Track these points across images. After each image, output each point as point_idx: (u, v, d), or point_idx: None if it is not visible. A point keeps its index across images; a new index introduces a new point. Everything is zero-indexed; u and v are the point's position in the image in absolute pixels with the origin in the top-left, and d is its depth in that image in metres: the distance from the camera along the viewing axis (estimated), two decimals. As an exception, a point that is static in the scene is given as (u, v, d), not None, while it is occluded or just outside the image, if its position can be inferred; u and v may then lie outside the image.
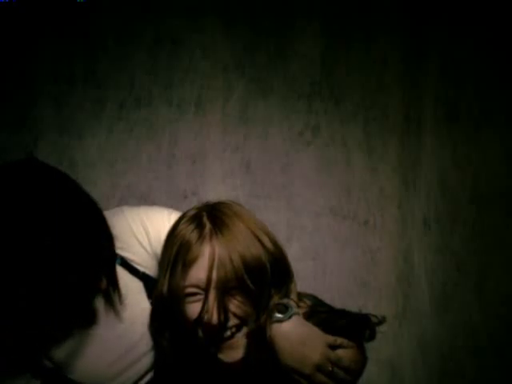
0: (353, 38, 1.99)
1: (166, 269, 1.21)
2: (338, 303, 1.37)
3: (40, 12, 1.75)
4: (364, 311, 1.47)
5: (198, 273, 1.17)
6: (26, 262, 0.95)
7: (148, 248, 1.26)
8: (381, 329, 1.29)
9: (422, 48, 2.03)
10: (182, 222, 1.24)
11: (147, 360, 1.25)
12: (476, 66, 2.04)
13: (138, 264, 1.24)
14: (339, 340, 1.23)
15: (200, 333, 1.20)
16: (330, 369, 1.20)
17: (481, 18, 2.04)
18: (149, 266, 1.25)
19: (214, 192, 1.89)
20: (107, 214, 1.13)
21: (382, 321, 1.29)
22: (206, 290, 1.17)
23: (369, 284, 1.98)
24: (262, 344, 1.20)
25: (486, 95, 2.04)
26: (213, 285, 1.17)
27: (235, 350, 1.21)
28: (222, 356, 1.21)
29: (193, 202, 1.85)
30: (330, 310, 1.32)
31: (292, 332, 1.21)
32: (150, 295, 1.25)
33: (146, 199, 1.84)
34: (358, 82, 2.00)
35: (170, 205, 1.80)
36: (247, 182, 1.92)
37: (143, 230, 1.27)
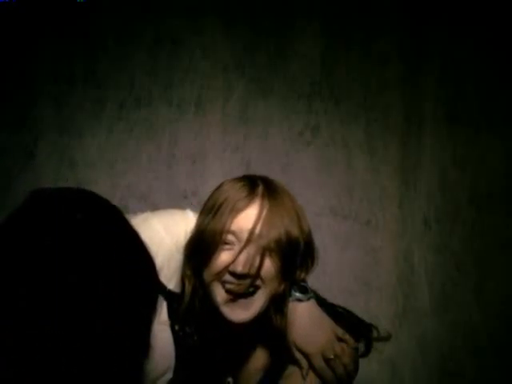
0: (353, 37, 1.99)
1: (208, 213, 1.24)
2: (338, 303, 1.38)
3: (40, 12, 1.75)
4: (365, 311, 1.48)
5: (243, 222, 1.21)
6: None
7: (180, 260, 1.25)
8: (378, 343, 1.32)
9: (422, 48, 2.03)
10: (233, 179, 1.30)
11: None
12: (476, 66, 2.04)
13: (166, 279, 1.22)
14: (347, 335, 1.27)
15: (218, 286, 1.22)
16: (332, 356, 1.23)
17: (481, 18, 2.04)
18: (176, 281, 1.24)
19: (214, 192, 1.88)
20: (133, 222, 1.10)
21: (383, 338, 1.33)
22: (246, 240, 1.21)
23: (369, 284, 1.98)
24: (278, 313, 1.24)
25: (486, 95, 2.05)
26: (252, 238, 1.21)
27: (244, 311, 1.23)
28: (228, 312, 1.22)
29: (193, 202, 1.85)
30: (332, 308, 1.34)
31: (307, 312, 1.28)
32: (170, 315, 1.23)
33: (146, 199, 1.84)
34: (358, 82, 2.00)
35: (169, 205, 1.80)
36: (247, 181, 1.92)
37: (178, 242, 1.27)
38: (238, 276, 1.20)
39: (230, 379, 1.31)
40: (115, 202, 1.85)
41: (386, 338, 1.32)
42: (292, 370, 1.28)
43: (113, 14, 1.81)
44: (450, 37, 2.04)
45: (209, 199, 1.28)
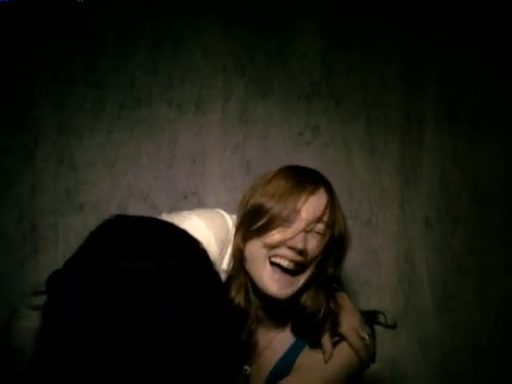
0: (353, 37, 1.99)
1: (273, 189, 1.38)
2: (339, 303, 1.40)
3: (40, 12, 1.74)
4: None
5: (311, 205, 1.35)
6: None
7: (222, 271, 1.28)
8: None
9: (422, 48, 2.03)
10: (293, 166, 1.49)
11: None
12: (476, 66, 2.04)
13: None
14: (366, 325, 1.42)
15: (266, 262, 1.33)
16: (367, 336, 1.37)
17: (481, 18, 2.04)
18: None
19: (214, 192, 1.88)
20: (182, 225, 1.11)
21: (388, 325, 1.49)
22: (310, 222, 1.34)
23: (371, 283, 1.98)
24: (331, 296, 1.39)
25: (487, 95, 2.05)
26: (317, 221, 1.35)
27: (286, 287, 1.34)
28: (271, 286, 1.33)
29: (193, 202, 1.85)
30: None
31: (343, 299, 1.44)
32: None
33: (146, 199, 1.83)
34: (359, 82, 2.00)
35: (169, 205, 1.81)
36: (247, 181, 1.91)
37: (222, 251, 1.34)
38: (297, 251, 1.32)
39: (246, 367, 1.36)
40: (115, 201, 1.88)
41: (392, 326, 1.42)
42: (304, 361, 1.36)
43: (113, 14, 1.81)
44: (451, 36, 2.04)
45: (272, 178, 1.43)
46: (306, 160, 1.95)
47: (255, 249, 1.35)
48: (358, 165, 1.99)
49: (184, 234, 0.94)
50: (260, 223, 1.34)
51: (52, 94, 1.77)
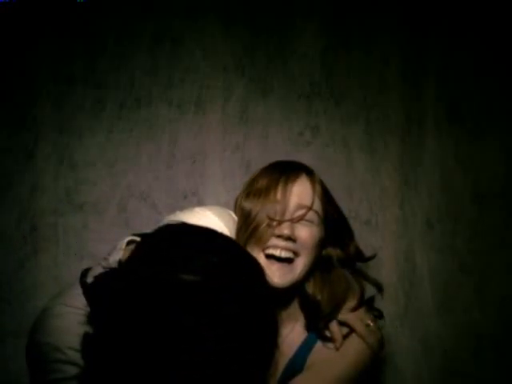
0: (353, 37, 1.99)
1: (255, 193, 1.43)
2: (339, 302, 1.40)
3: (40, 12, 1.75)
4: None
5: (292, 194, 1.40)
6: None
7: None
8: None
9: (422, 48, 2.03)
10: (273, 163, 1.52)
11: None
12: (477, 66, 2.04)
13: None
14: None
15: (260, 254, 1.38)
16: (371, 323, 1.42)
17: (481, 18, 2.04)
18: None
19: (214, 192, 1.89)
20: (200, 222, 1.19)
21: (378, 312, 1.53)
22: (294, 211, 1.39)
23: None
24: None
25: (487, 95, 2.05)
26: (299, 208, 1.40)
27: (284, 275, 1.38)
28: (270, 276, 1.33)
29: (193, 202, 1.86)
30: None
31: None
32: None
33: (146, 199, 1.84)
34: (359, 82, 2.00)
35: (169, 205, 1.81)
36: (247, 182, 1.92)
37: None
38: (285, 238, 1.37)
39: None
40: (115, 201, 1.88)
41: (379, 315, 1.44)
42: (317, 357, 1.40)
43: (113, 14, 1.82)
44: (451, 36, 2.04)
45: (255, 177, 1.49)
46: (306, 160, 1.94)
47: (250, 249, 1.39)
48: (357, 165, 1.99)
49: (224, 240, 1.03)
50: (251, 227, 1.40)
51: (52, 94, 1.77)
